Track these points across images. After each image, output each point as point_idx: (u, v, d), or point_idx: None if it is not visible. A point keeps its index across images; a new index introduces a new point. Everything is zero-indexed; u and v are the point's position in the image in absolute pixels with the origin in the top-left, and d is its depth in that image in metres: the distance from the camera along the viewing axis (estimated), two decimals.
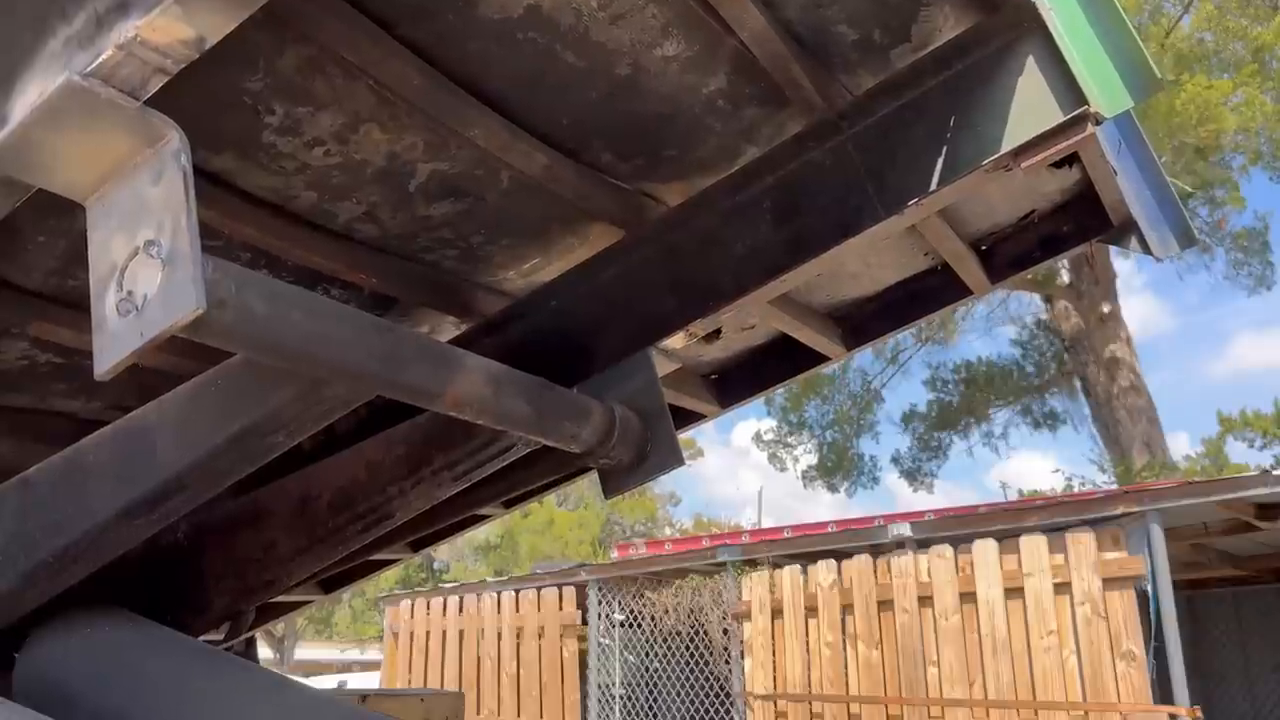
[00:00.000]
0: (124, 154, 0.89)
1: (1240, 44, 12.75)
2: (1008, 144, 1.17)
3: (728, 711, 7.57)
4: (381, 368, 1.13)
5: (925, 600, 6.30)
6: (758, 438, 19.04)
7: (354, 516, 1.58)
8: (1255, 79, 12.39)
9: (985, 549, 6.11)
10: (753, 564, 7.71)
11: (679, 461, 1.52)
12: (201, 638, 1.68)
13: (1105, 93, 1.10)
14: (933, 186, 1.23)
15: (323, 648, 28.56)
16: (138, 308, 0.85)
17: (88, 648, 1.33)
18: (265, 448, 1.23)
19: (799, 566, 7.12)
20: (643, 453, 1.51)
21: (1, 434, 1.91)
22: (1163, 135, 12.01)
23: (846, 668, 6.64)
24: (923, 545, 6.66)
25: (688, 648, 7.95)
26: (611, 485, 1.57)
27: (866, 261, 1.84)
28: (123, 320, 0.86)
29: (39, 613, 1.37)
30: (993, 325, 17.36)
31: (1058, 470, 34.83)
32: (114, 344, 0.86)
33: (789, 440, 18.32)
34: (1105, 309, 14.50)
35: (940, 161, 1.21)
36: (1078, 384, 15.93)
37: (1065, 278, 14.66)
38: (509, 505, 2.41)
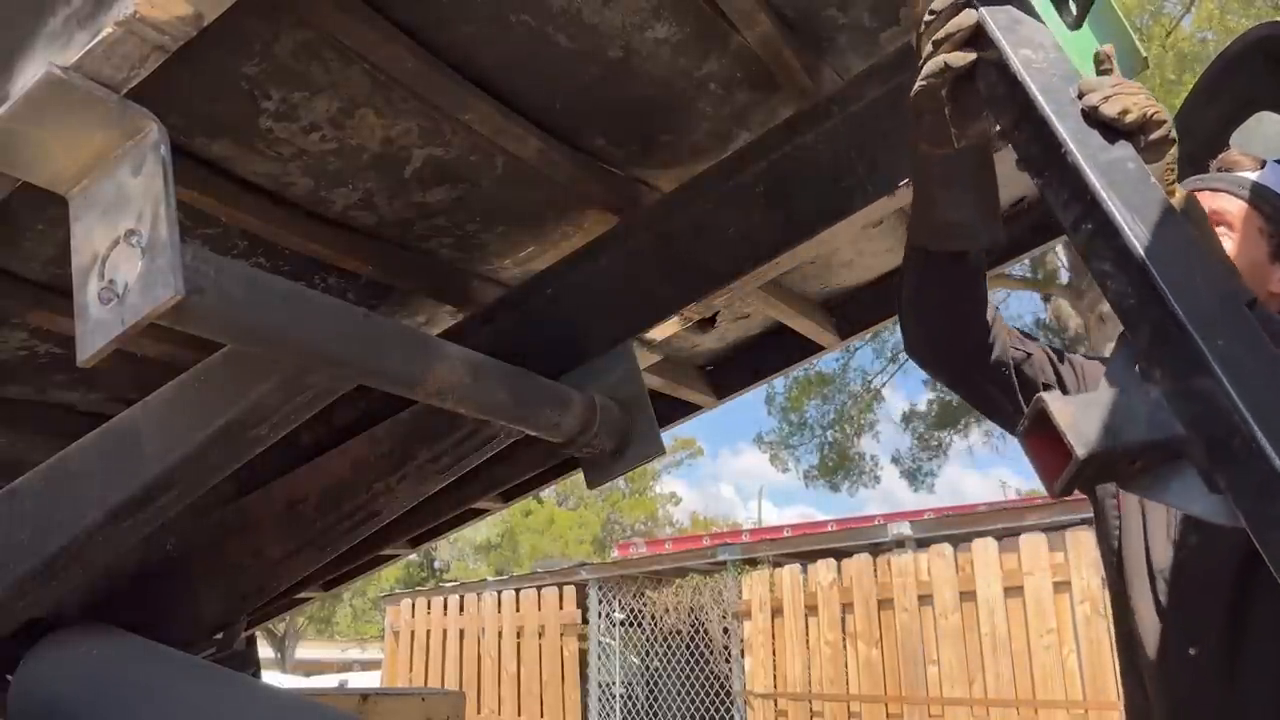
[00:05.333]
0: (105, 147, 0.91)
1: None
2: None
3: (728, 710, 7.57)
4: (361, 354, 1.15)
5: (925, 599, 6.30)
6: (759, 438, 19.08)
7: (341, 516, 1.60)
8: None
9: (985, 548, 6.11)
10: (753, 563, 7.73)
11: (660, 450, 1.54)
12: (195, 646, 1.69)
13: (1090, 72, 1.11)
14: None
15: (324, 647, 28.59)
16: (119, 295, 0.87)
17: (80, 667, 1.35)
18: (250, 441, 1.25)
19: (799, 565, 7.13)
20: (624, 441, 1.53)
21: (1, 425, 1.92)
22: None
23: (846, 666, 6.64)
24: (922, 544, 6.67)
25: (688, 647, 7.95)
26: (594, 475, 1.59)
27: (859, 249, 1.85)
28: (104, 308, 0.88)
29: (32, 631, 1.39)
30: None
31: None
32: (96, 331, 0.88)
33: (790, 440, 18.34)
34: (1105, 308, 14.49)
35: None
36: None
37: (1065, 277, 14.67)
38: (507, 498, 2.42)
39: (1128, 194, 0.83)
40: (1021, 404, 1.28)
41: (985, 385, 1.32)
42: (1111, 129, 0.89)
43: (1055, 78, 0.92)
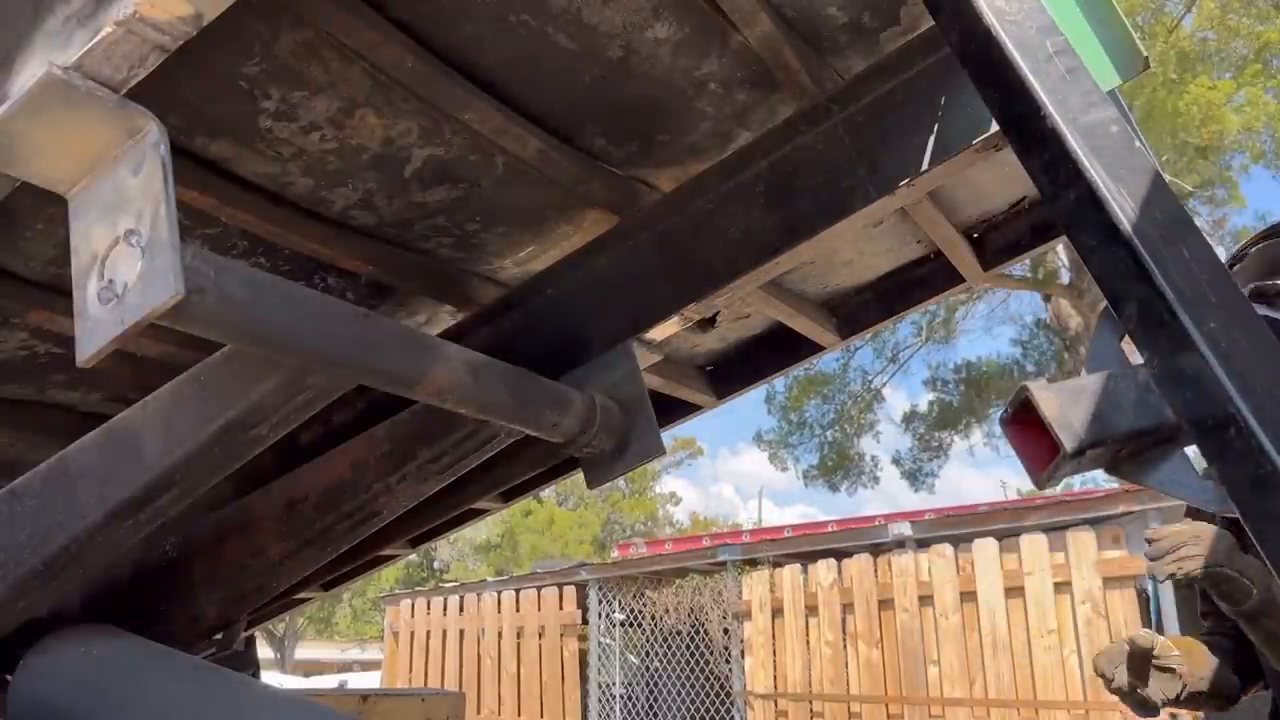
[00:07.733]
0: (104, 146, 0.91)
1: (1242, 43, 12.80)
2: (996, 123, 1.19)
3: (728, 711, 7.57)
4: (361, 354, 1.15)
5: (925, 599, 6.30)
6: (759, 437, 19.06)
7: (341, 516, 1.60)
8: (1259, 78, 12.44)
9: (985, 548, 6.10)
10: (753, 563, 7.72)
11: (660, 450, 1.54)
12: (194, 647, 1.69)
13: (1092, 71, 1.11)
14: (924, 167, 1.25)
15: (323, 647, 28.61)
16: (118, 295, 0.87)
17: (81, 667, 1.35)
18: (249, 441, 1.25)
19: (799, 566, 7.12)
20: (624, 441, 1.53)
21: (1, 425, 1.92)
22: (1166, 135, 12.08)
23: (847, 667, 6.64)
24: (923, 544, 6.66)
25: (688, 647, 7.95)
26: (595, 475, 1.58)
27: (859, 249, 1.85)
28: (104, 308, 0.88)
29: (32, 632, 1.39)
30: (993, 325, 17.43)
31: None
32: (96, 331, 0.88)
33: (790, 440, 18.33)
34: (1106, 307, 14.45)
35: (931, 142, 1.23)
36: None
37: (1065, 277, 14.67)
38: (507, 498, 2.42)
39: (1112, 161, 0.78)
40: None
41: None
42: None
43: (1032, 30, 0.86)
